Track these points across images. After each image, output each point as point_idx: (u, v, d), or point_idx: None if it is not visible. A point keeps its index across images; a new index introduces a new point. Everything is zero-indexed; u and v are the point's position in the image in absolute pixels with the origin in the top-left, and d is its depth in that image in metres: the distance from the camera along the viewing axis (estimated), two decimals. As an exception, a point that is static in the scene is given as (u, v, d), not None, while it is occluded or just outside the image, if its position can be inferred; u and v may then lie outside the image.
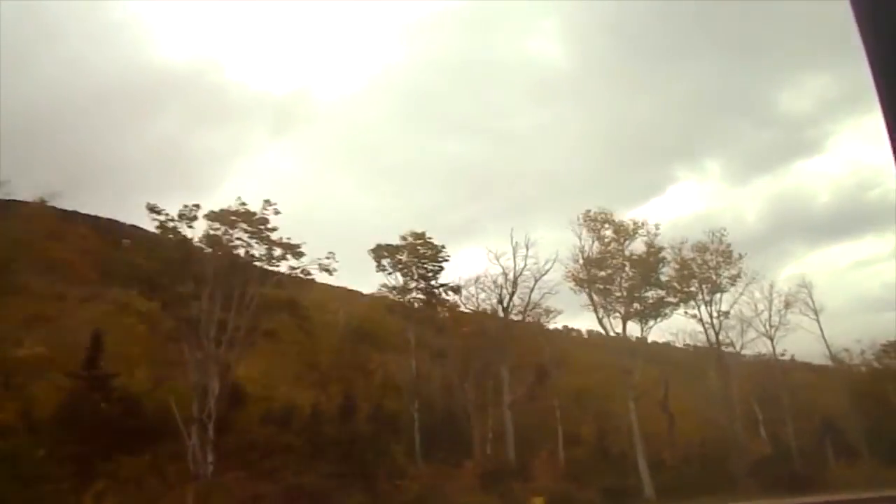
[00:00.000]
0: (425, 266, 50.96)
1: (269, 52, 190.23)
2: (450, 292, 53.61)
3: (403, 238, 50.90)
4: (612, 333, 57.54)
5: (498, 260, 55.51)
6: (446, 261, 51.69)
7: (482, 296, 56.95)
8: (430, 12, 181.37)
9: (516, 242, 55.88)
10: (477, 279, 55.58)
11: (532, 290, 56.46)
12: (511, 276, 55.29)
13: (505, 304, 56.06)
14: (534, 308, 58.01)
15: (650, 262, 58.58)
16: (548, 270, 56.08)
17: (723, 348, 76.57)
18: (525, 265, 56.01)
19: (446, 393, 55.40)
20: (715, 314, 62.75)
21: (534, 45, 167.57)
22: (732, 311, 65.21)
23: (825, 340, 71.05)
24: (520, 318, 59.27)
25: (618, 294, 56.31)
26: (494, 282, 55.53)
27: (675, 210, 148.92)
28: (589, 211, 55.94)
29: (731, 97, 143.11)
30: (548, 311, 60.75)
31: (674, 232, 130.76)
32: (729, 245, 62.63)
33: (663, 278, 59.79)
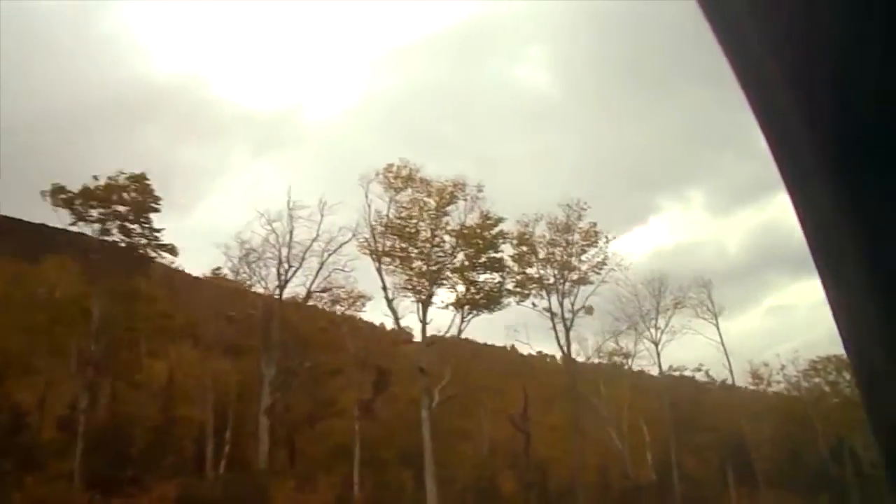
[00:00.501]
0: (130, 218, 37.44)
1: (256, 71, 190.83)
2: (164, 254, 39.81)
3: (100, 178, 37.41)
4: (416, 325, 45.10)
5: (271, 224, 42.86)
6: (157, 211, 38.33)
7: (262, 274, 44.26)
8: (419, 37, 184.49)
9: (293, 203, 43.49)
10: (247, 253, 42.78)
11: (321, 265, 44.00)
12: (283, 244, 42.70)
13: (281, 282, 43.38)
14: (325, 290, 45.59)
15: (484, 237, 46.30)
16: (344, 243, 43.60)
17: (614, 359, 68.43)
18: (317, 235, 43.61)
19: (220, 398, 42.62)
20: (569, 308, 50.73)
21: (520, 71, 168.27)
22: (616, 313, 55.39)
23: (725, 350, 61.84)
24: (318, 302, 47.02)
25: (425, 273, 43.58)
26: (261, 252, 42.82)
27: (657, 240, 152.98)
28: (391, 165, 43.16)
29: (715, 128, 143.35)
30: (357, 297, 48.30)
31: (656, 262, 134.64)
32: (595, 224, 50.73)
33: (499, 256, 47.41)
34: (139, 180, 36.59)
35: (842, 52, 1.04)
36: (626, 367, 62.50)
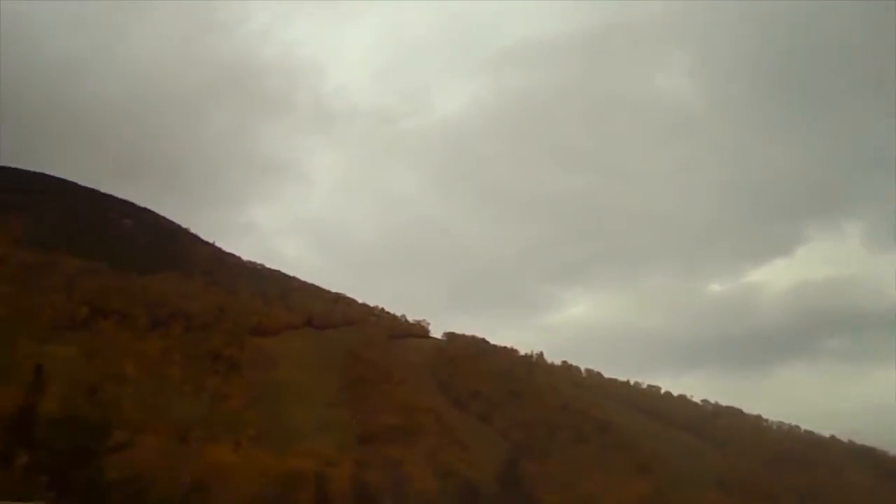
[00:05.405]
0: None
1: (375, 61, 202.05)
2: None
3: None
4: None
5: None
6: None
7: None
8: (553, 36, 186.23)
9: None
10: None
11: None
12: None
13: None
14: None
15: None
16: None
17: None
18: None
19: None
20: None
21: (661, 79, 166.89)
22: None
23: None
24: None
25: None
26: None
27: (803, 273, 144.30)
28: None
29: (881, 152, 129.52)
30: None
31: (801, 297, 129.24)
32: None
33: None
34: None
35: None
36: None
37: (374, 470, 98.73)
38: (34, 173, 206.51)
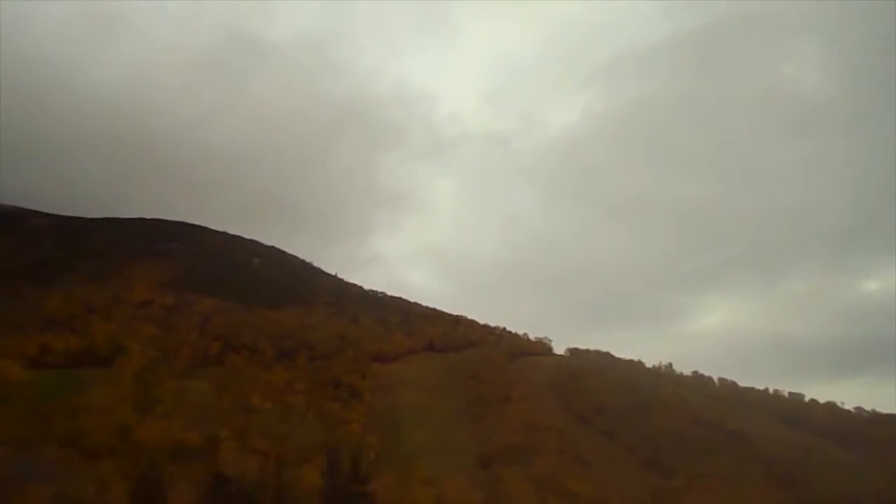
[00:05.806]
0: None
1: (485, 85, 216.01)
2: None
3: None
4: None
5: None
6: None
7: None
8: (663, 38, 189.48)
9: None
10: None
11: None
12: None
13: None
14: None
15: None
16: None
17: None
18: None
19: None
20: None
21: (787, 70, 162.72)
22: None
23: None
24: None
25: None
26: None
27: None
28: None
29: None
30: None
31: None
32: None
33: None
34: None
35: None
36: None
37: (489, 492, 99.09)
38: (172, 222, 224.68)
